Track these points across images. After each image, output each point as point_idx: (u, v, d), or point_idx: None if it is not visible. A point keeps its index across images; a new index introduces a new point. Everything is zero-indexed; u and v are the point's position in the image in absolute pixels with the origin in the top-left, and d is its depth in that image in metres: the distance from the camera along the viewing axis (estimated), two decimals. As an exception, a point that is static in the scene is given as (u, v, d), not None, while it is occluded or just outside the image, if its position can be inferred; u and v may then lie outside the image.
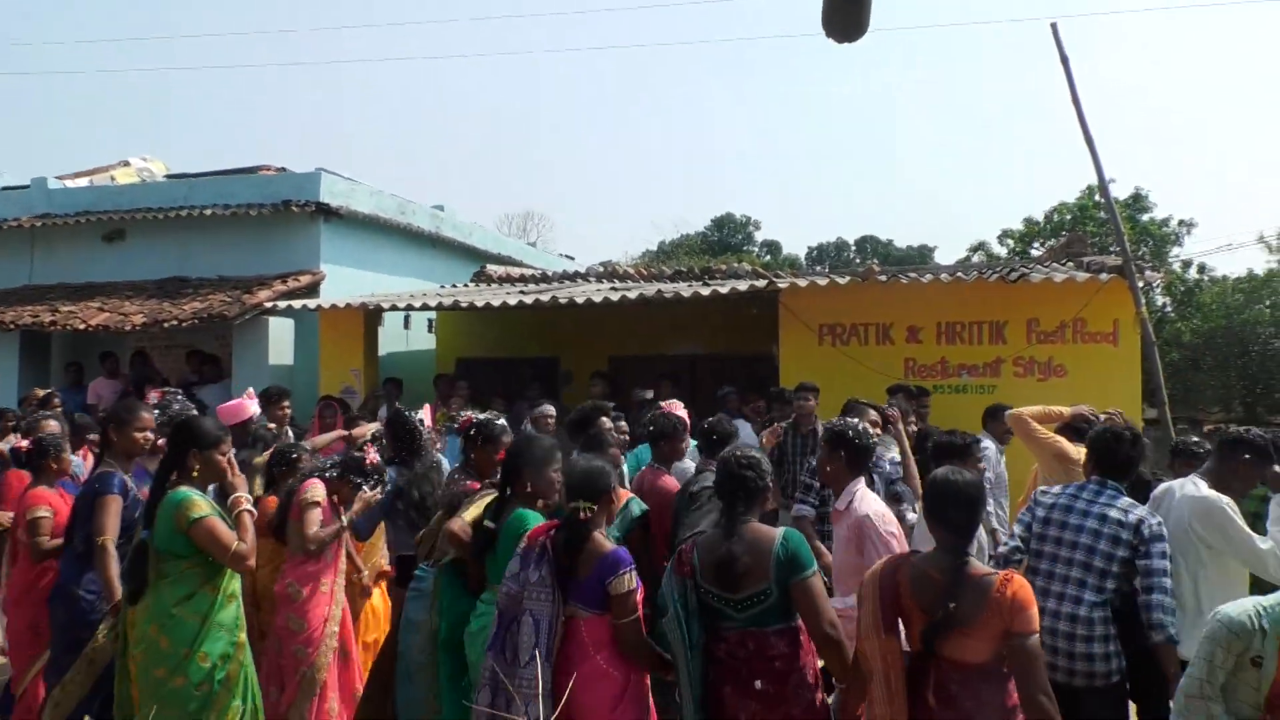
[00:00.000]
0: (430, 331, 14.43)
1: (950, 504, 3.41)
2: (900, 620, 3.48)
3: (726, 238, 49.86)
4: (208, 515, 4.08)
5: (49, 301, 13.32)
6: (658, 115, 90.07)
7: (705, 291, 9.89)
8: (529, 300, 10.36)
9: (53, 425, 6.86)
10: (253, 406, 7.64)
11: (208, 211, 13.23)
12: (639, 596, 3.73)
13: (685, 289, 10.26)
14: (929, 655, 3.35)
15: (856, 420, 4.84)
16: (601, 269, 14.34)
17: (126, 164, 17.15)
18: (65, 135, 75.47)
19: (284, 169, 15.20)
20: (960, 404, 9.00)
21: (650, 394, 9.85)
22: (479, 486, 4.75)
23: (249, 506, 4.29)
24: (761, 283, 10.19)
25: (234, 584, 4.28)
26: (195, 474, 4.20)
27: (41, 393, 9.90)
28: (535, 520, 4.07)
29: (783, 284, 9.79)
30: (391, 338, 13.33)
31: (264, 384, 11.09)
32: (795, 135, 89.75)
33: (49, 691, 4.76)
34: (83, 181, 16.03)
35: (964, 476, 3.51)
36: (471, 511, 4.40)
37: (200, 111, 79.83)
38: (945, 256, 59.02)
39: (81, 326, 11.99)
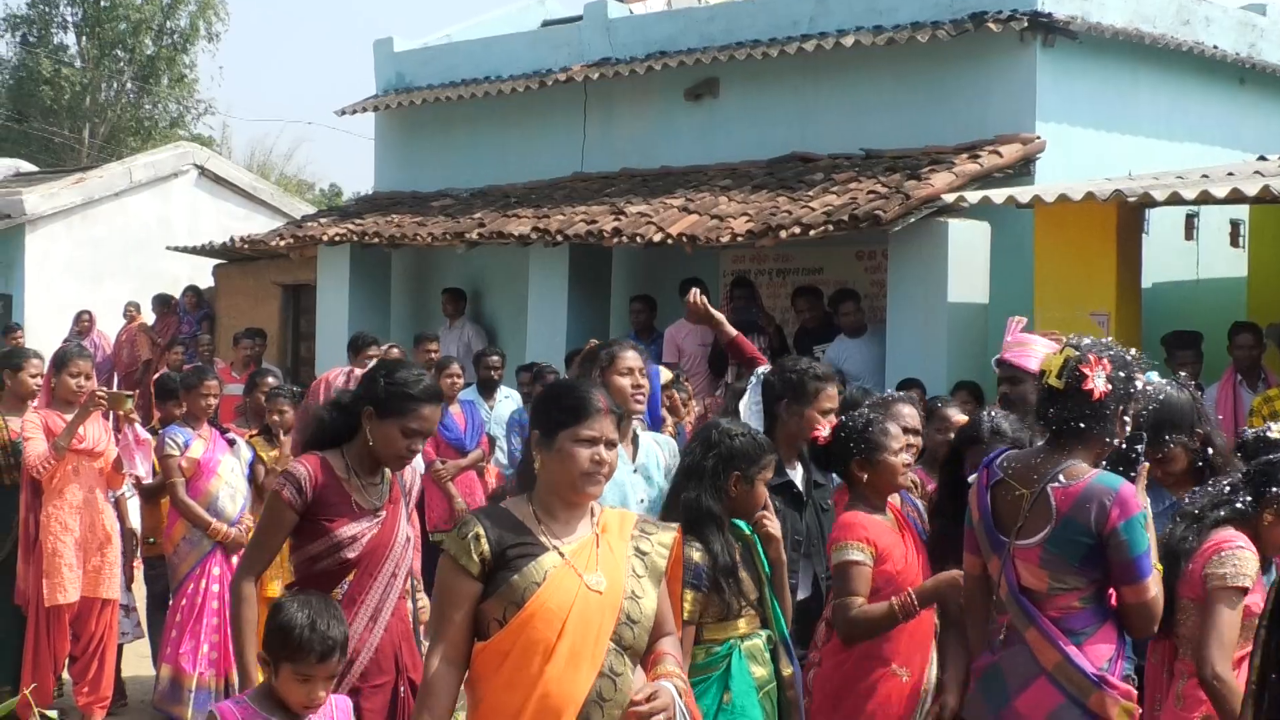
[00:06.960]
0: (1236, 245, 13.36)
1: None
2: None
3: None
4: None
5: (608, 199, 13.47)
6: None
7: None
8: None
9: None
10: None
11: (846, 40, 12.74)
12: None
13: None
14: None
15: None
16: None
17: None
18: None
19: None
20: None
21: None
22: None
23: None
24: None
25: None
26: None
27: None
28: None
29: None
30: (1163, 255, 12.49)
31: (939, 338, 11.20)
32: None
33: None
34: (658, 4, 16.37)
35: None
36: None
37: None
38: None
39: (658, 239, 12.00)
